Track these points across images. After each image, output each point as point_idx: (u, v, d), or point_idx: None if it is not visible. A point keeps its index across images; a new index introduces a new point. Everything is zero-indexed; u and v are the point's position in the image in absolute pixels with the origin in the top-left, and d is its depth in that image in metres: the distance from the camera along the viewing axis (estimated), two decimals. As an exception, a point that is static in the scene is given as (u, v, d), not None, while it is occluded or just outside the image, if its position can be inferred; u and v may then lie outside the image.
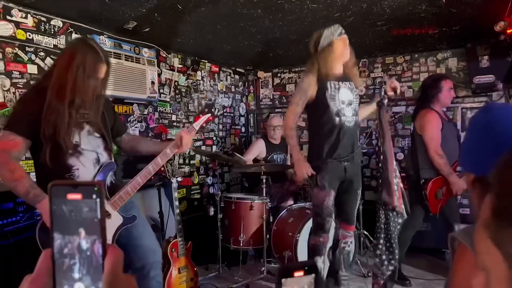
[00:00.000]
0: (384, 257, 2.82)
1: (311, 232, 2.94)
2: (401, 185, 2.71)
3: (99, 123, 2.11)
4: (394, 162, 2.68)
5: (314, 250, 2.92)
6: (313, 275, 0.56)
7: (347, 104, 2.82)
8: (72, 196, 0.43)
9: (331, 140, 2.80)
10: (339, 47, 2.78)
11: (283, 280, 0.54)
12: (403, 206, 2.67)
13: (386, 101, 2.71)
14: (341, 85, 2.83)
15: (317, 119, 2.85)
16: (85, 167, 2.03)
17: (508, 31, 3.11)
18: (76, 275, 0.43)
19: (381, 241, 2.73)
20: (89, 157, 2.05)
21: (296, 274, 0.55)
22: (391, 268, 2.74)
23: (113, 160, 2.19)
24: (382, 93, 2.83)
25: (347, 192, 2.93)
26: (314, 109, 2.83)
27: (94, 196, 0.43)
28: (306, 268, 0.55)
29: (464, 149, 1.05)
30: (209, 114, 2.47)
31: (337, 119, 2.79)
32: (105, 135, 2.15)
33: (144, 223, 2.34)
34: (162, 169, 3.24)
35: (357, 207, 3.01)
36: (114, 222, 2.08)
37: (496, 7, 3.09)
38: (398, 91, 2.92)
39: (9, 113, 2.12)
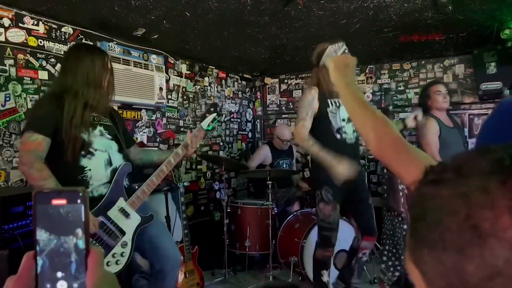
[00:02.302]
0: (390, 263, 2.82)
1: (316, 246, 2.92)
2: (406, 191, 2.71)
3: (111, 125, 2.21)
4: None
5: (319, 263, 2.90)
6: None
7: (347, 121, 2.80)
8: (56, 202, 0.46)
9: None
10: None
11: None
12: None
13: (391, 107, 2.70)
14: (341, 102, 2.79)
15: (319, 135, 2.79)
16: (96, 168, 2.10)
17: (515, 37, 3.12)
18: (59, 274, 0.46)
19: (387, 247, 2.74)
20: (100, 157, 2.13)
21: None
22: (397, 274, 2.74)
23: (127, 162, 2.25)
24: (388, 101, 2.82)
25: (360, 203, 2.90)
26: (317, 125, 2.78)
27: (78, 201, 0.46)
28: None
29: (483, 138, 1.03)
30: (215, 114, 2.54)
31: (338, 136, 2.77)
32: (118, 137, 2.23)
33: (162, 225, 2.40)
34: (169, 174, 3.28)
35: (374, 217, 2.95)
36: (133, 222, 2.17)
37: (503, 14, 3.09)
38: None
39: (27, 116, 2.24)
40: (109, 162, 2.16)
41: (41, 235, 0.45)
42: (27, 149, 1.96)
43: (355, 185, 2.82)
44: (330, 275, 2.91)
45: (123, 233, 2.12)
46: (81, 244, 0.46)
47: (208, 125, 2.44)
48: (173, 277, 2.31)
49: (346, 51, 2.75)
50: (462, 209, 0.43)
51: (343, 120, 2.78)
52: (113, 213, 2.11)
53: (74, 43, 3.20)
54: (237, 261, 3.97)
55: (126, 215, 2.14)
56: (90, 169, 2.09)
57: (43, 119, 2.01)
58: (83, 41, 3.33)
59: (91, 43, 3.31)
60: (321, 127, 2.74)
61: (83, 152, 2.07)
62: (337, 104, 2.81)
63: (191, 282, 3.04)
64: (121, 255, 2.10)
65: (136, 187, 2.26)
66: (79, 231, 0.46)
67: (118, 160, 2.21)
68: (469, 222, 0.43)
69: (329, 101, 2.79)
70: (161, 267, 2.26)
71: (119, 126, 2.31)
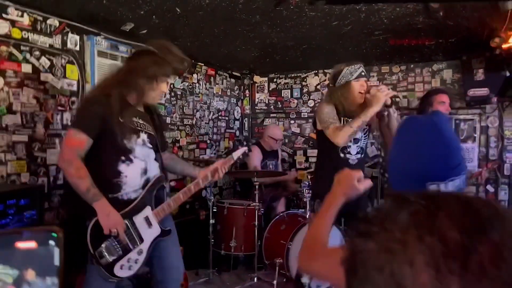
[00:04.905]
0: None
1: None
2: None
3: (154, 134, 2.24)
4: None
5: None
6: None
7: (353, 142, 2.79)
8: (22, 245, 0.41)
9: (332, 176, 2.76)
10: (354, 90, 2.72)
11: None
12: None
13: (386, 113, 2.69)
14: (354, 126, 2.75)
15: (324, 150, 2.86)
16: (132, 175, 2.14)
17: (504, 46, 3.14)
18: None
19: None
20: (138, 166, 2.16)
21: None
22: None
23: (161, 173, 2.28)
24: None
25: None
26: (323, 140, 2.74)
27: (51, 242, 0.41)
28: None
29: (389, 161, 1.07)
30: (246, 148, 2.62)
31: (341, 154, 2.79)
32: (158, 146, 2.27)
33: (175, 240, 2.42)
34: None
35: None
36: (153, 232, 2.21)
37: (493, 22, 3.12)
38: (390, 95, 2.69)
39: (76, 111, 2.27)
40: (145, 171, 2.19)
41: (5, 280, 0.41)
42: (70, 145, 2.02)
43: (356, 204, 2.83)
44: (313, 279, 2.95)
45: (141, 240, 2.16)
46: None
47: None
48: None
49: (363, 73, 2.76)
50: (386, 265, 0.44)
51: (350, 140, 2.75)
52: (138, 219, 2.15)
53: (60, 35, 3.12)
54: (222, 261, 3.95)
55: (149, 224, 2.19)
56: (126, 176, 2.12)
57: (92, 119, 2.04)
58: (69, 34, 3.25)
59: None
60: (327, 143, 2.71)
61: (123, 158, 2.11)
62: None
63: (175, 283, 3.00)
64: (135, 261, 2.14)
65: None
66: (52, 275, 0.42)
67: (154, 169, 2.23)
68: (393, 279, 0.43)
69: (341, 120, 2.78)
70: (162, 278, 2.30)
71: (159, 131, 2.34)
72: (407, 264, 0.42)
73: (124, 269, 2.10)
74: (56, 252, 0.42)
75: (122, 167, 2.11)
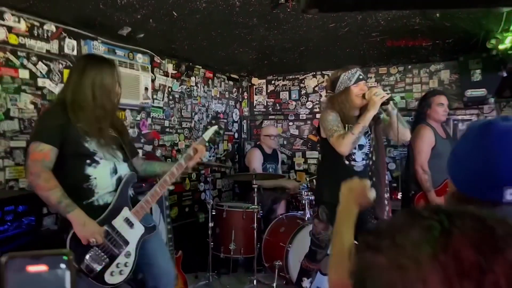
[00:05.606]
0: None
1: (306, 254, 2.98)
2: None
3: (116, 136, 2.23)
4: (386, 178, 2.68)
5: (303, 271, 3.00)
6: None
7: (358, 149, 2.73)
8: (33, 269, 0.39)
9: (337, 184, 2.65)
10: (354, 94, 2.68)
11: None
12: None
13: (382, 115, 2.66)
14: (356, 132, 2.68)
15: (329, 157, 2.76)
16: (102, 177, 2.12)
17: (500, 47, 3.15)
18: None
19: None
20: (106, 166, 2.14)
21: None
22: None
23: (132, 172, 2.26)
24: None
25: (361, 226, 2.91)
26: (328, 148, 2.67)
27: (62, 266, 0.40)
28: None
29: (456, 162, 1.03)
30: (216, 126, 2.54)
31: (346, 162, 2.72)
32: (123, 147, 2.25)
33: (160, 241, 2.40)
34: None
35: None
36: (137, 232, 2.18)
37: (488, 24, 3.13)
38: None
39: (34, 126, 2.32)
40: (115, 171, 2.17)
41: None
42: (34, 159, 1.99)
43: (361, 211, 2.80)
44: (315, 282, 2.95)
45: (126, 243, 2.13)
46: None
47: (209, 138, 2.44)
48: None
49: (361, 76, 2.72)
50: (398, 282, 0.42)
51: (355, 147, 2.69)
52: (118, 222, 2.12)
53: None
54: (222, 264, 3.94)
55: (130, 225, 2.16)
56: (95, 178, 2.10)
57: (50, 129, 2.03)
58: (66, 39, 3.25)
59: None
60: (332, 150, 2.63)
61: (88, 161, 2.09)
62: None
63: None
64: (125, 265, 2.11)
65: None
66: None
67: (123, 169, 2.22)
68: None
69: (345, 126, 2.72)
70: (155, 284, 2.28)
71: (124, 136, 2.32)
72: (420, 282, 0.41)
73: (115, 275, 2.07)
74: (67, 275, 0.41)
75: (89, 170, 2.10)
